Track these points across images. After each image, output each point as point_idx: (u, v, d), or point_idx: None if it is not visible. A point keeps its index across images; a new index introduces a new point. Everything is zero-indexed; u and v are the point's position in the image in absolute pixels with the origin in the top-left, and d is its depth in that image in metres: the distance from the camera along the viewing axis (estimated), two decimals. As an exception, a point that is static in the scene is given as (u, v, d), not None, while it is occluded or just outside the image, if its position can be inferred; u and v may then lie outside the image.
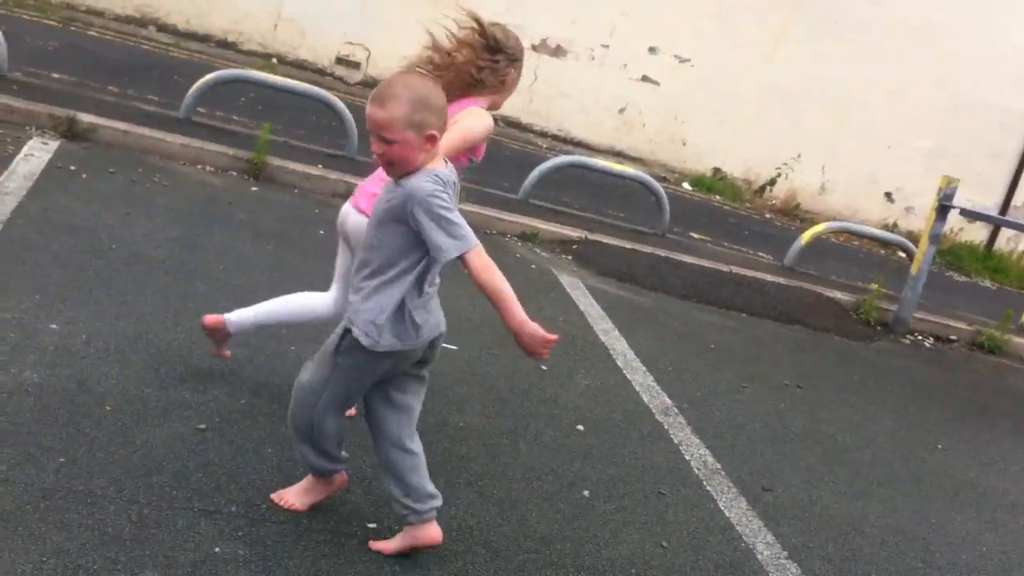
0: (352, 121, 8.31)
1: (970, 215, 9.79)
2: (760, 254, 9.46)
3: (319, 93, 8.36)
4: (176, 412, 3.75)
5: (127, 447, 3.41)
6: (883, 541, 4.37)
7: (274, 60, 12.03)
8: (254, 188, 7.16)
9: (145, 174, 6.70)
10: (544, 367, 5.24)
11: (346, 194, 7.53)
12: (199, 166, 7.25)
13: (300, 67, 12.23)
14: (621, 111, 12.91)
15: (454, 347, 5.20)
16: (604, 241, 8.10)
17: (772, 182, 12.52)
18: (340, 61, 12.52)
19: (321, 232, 6.52)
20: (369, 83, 12.39)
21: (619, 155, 12.66)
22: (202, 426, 3.69)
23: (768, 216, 12.03)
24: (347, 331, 3.09)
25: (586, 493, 4.02)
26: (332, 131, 8.79)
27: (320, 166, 7.78)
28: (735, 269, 8.40)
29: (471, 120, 3.65)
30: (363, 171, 7.97)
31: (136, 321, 4.43)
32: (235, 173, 7.31)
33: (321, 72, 12.31)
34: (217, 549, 3.02)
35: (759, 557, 3.91)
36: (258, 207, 6.75)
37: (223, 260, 5.50)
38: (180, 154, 7.28)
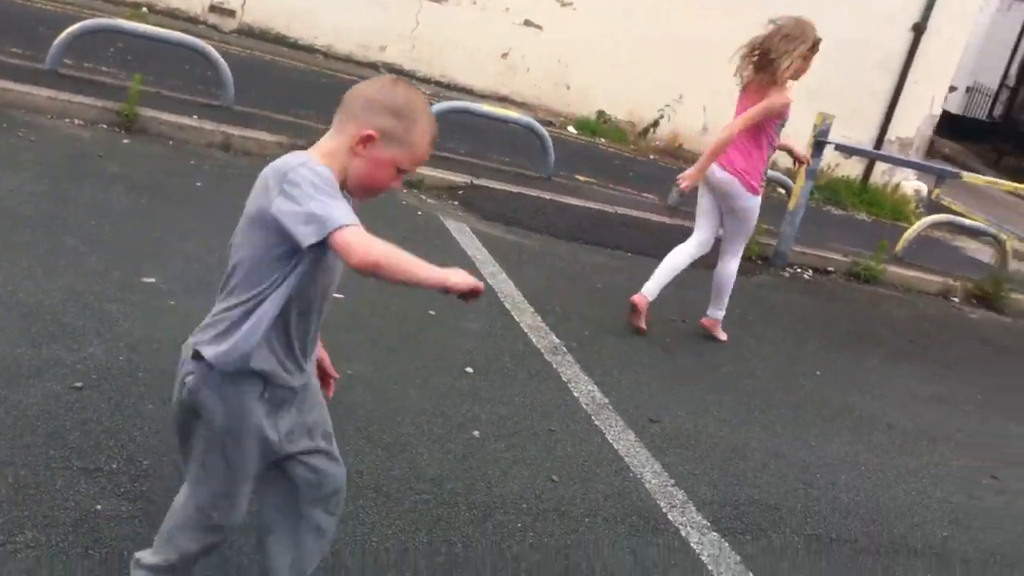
0: (227, 70, 8.08)
1: (845, 150, 10.07)
2: (645, 195, 9.56)
3: (193, 42, 8.09)
4: (50, 371, 3.63)
5: (-1, 409, 3.30)
6: (765, 465, 4.51)
7: (144, 9, 11.60)
8: (126, 140, 6.92)
9: (9, 129, 6.41)
10: (432, 312, 5.23)
11: (223, 144, 7.36)
12: (67, 119, 6.97)
13: (172, 16, 11.81)
14: (504, 56, 12.85)
15: (340, 295, 5.14)
16: (490, 186, 8.08)
17: (655, 124, 12.64)
18: (214, 9, 12.14)
19: (199, 184, 6.35)
20: (244, 31, 12.06)
21: (504, 100, 12.62)
22: (78, 384, 3.59)
23: (652, 157, 12.16)
24: None
25: (476, 434, 4.05)
26: (207, 81, 8.54)
27: (195, 117, 7.55)
28: (620, 210, 8.49)
29: None
30: (241, 121, 7.81)
31: (3, 279, 4.26)
32: (105, 126, 7.05)
33: (194, 20, 11.92)
34: (99, 507, 2.96)
35: (647, 486, 4.00)
36: (131, 160, 6.54)
37: (94, 214, 5.32)
38: (46, 107, 6.98)
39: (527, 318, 5.53)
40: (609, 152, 11.69)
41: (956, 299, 9.09)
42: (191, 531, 2.48)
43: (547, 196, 8.21)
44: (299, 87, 10.17)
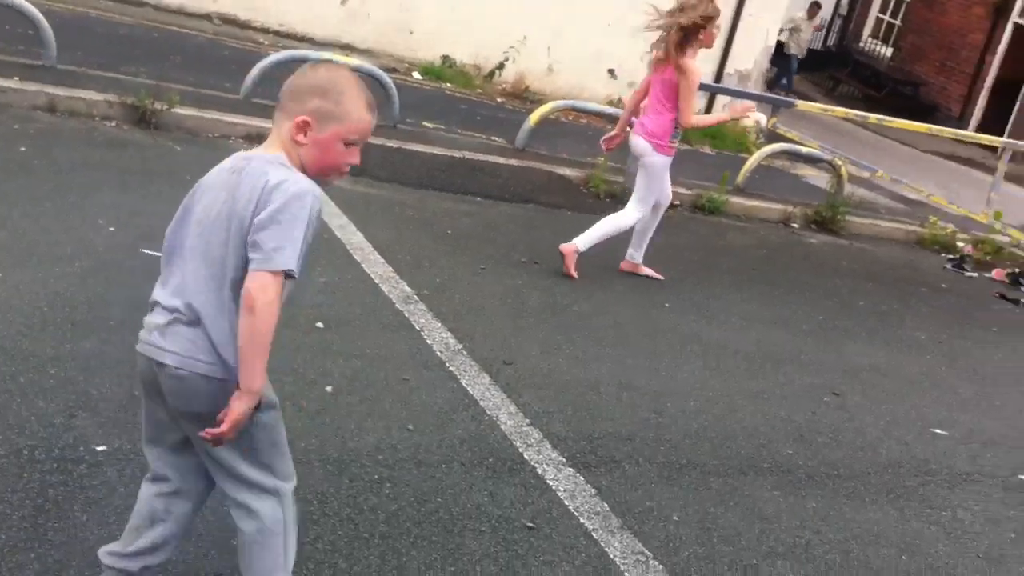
0: (49, 29, 7.67)
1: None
2: (493, 138, 9.56)
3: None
4: None
5: None
6: (618, 398, 4.62)
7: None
8: (-60, 107, 6.52)
9: None
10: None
11: (47, 106, 7.01)
12: None
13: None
14: (343, 2, 12.58)
15: (181, 257, 4.99)
16: (334, 136, 7.93)
17: (501, 66, 12.61)
18: (30, -37, 11.48)
19: (23, 148, 6.04)
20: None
21: (346, 48, 12.36)
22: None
23: (500, 100, 12.15)
24: None
25: (329, 388, 4.01)
26: (28, 40, 8.09)
27: (16, 78, 7.16)
28: (468, 154, 8.46)
29: None
30: (66, 80, 7.43)
31: None
32: (-84, 92, 6.62)
33: (10, -24, 11.25)
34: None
35: (503, 427, 4.05)
36: (-53, 127, 6.17)
37: (-91, 187, 5.01)
38: None
39: (378, 268, 5.48)
40: (456, 97, 11.62)
41: (796, 225, 9.44)
42: None
43: (393, 144, 8.12)
44: (127, 42, 9.74)
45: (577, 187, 8.55)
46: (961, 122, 21.04)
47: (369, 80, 8.72)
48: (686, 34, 6.02)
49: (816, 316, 6.67)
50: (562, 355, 4.95)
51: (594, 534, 3.45)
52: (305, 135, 2.40)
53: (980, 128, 20.56)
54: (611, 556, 3.36)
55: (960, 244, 9.98)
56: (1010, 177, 13.73)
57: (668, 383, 4.94)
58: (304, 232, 2.33)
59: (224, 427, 2.30)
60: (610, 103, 12.63)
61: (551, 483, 3.71)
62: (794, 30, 19.78)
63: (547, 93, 12.68)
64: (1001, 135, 16.97)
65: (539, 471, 3.78)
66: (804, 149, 10.99)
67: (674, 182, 9.13)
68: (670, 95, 6.12)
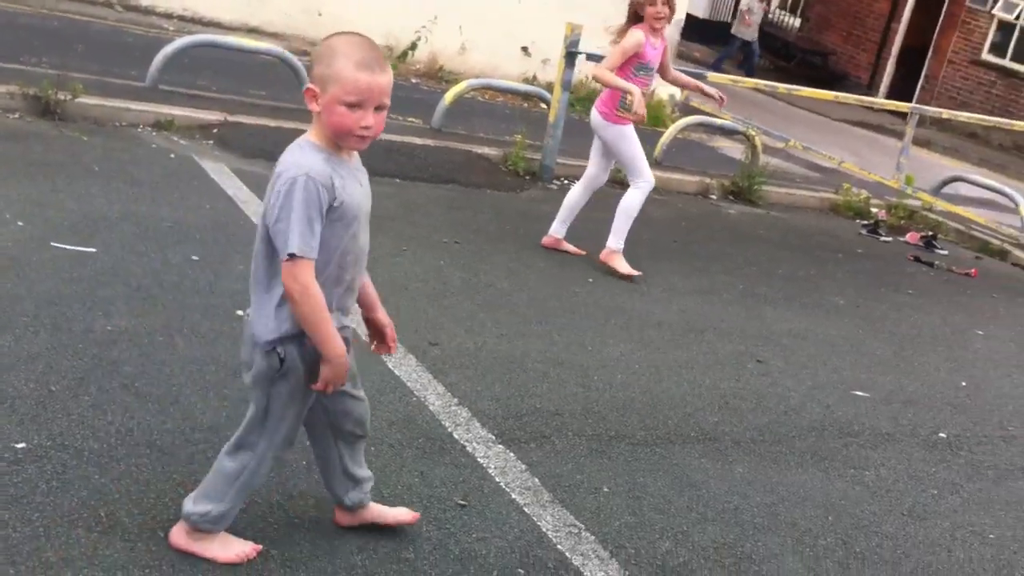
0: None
1: (597, 59, 10.23)
2: (409, 119, 9.47)
3: None
4: None
5: None
6: (545, 373, 4.61)
7: None
8: None
9: None
10: (195, 257, 5.02)
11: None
12: None
13: None
14: (250, -15, 12.35)
15: (92, 249, 4.86)
16: (246, 122, 7.79)
17: (413, 47, 12.48)
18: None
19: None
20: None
21: (254, 31, 12.13)
22: None
23: (414, 81, 12.04)
24: None
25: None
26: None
27: (-91, 70, 6.89)
28: (385, 136, 8.34)
29: None
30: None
31: None
32: None
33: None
34: None
35: (431, 408, 4.02)
36: None
37: None
38: None
39: (296, 254, 5.39)
40: (369, 79, 11.49)
41: (714, 196, 9.54)
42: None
43: (307, 128, 7.97)
44: (27, 32, 9.44)
45: (496, 166, 8.53)
46: (870, 89, 21.50)
47: (280, 64, 8.58)
48: (634, 11, 6.30)
49: (737, 285, 6.75)
50: (488, 334, 4.93)
51: (526, 509, 3.45)
52: (316, 103, 2.58)
53: (889, 95, 21.05)
54: (543, 529, 3.35)
55: (874, 210, 10.18)
56: (919, 142, 14.08)
57: (594, 357, 4.96)
58: (306, 212, 2.54)
59: (318, 385, 2.71)
60: (525, 80, 12.62)
61: (481, 461, 3.69)
62: (748, 12, 20.03)
63: (462, 72, 12.61)
64: (909, 101, 17.40)
65: (469, 449, 3.76)
66: (718, 121, 11.11)
67: (588, 156, 9.17)
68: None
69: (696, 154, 11.06)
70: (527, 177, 8.43)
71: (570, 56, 8.36)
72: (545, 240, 6.66)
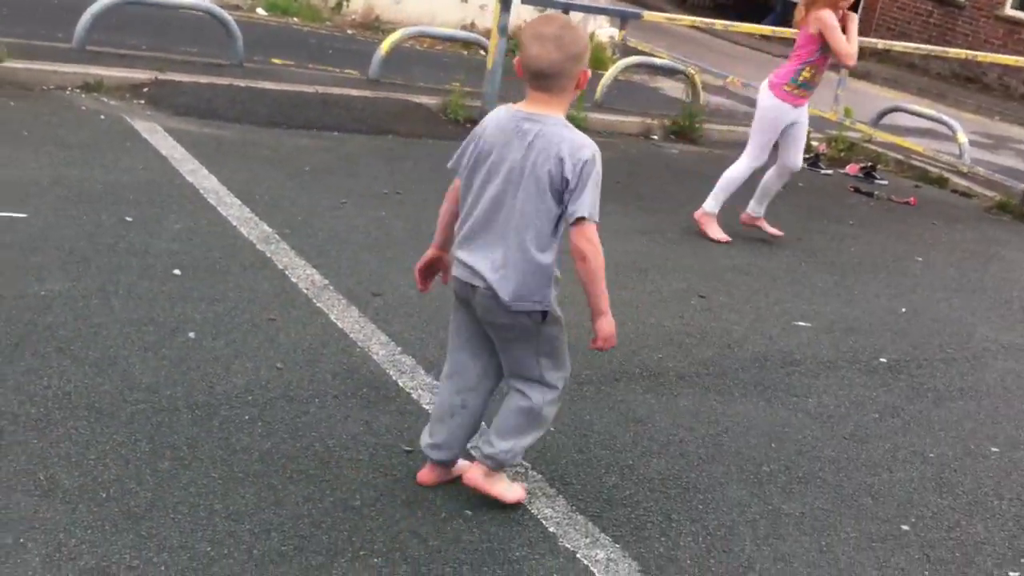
0: None
1: (533, 2, 10.16)
2: (346, 71, 9.36)
3: None
4: None
5: None
6: (489, 319, 4.61)
7: None
8: None
9: None
10: (129, 218, 4.95)
11: None
12: None
13: None
14: (178, -59, 12.06)
15: (23, 215, 4.76)
16: (178, 79, 7.65)
17: (348, -3, 12.36)
18: None
19: None
20: None
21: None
22: None
23: (350, 32, 11.89)
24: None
25: (192, 335, 3.90)
26: None
27: None
28: (321, 89, 8.26)
29: None
30: None
31: None
32: None
33: None
34: None
35: (375, 358, 4.01)
36: None
37: None
38: None
39: (234, 211, 5.33)
40: (304, 31, 11.33)
41: (656, 137, 9.55)
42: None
43: (241, 84, 7.86)
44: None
45: (436, 115, 8.46)
46: (765, 19, 21.53)
47: (211, 20, 8.42)
48: None
49: (680, 224, 6.79)
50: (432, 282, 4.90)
51: (473, 452, 3.46)
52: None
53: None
54: (491, 471, 3.37)
55: (814, 143, 10.24)
56: (858, 74, 14.18)
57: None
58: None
59: (598, 343, 3.17)
60: (463, 27, 12.50)
61: (427, 407, 3.70)
62: None
63: (398, 22, 12.46)
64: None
65: (414, 396, 3.77)
66: (658, 60, 11.09)
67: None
68: (802, 44, 6.31)
69: (638, 95, 11.05)
70: (467, 125, 8.36)
71: (505, 1, 8.27)
72: (743, 217, 6.79)
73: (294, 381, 3.70)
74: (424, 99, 8.69)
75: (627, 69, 10.68)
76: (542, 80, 2.88)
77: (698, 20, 10.99)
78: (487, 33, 10.56)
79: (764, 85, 6.48)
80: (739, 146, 9.91)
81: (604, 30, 13.92)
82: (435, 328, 4.38)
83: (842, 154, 10.14)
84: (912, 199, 8.82)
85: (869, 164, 9.79)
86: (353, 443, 3.38)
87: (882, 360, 5.05)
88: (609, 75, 10.17)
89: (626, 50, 11.87)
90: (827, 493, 3.69)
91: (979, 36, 19.12)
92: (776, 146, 6.65)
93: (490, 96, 8.51)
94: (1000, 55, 13.84)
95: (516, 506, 3.20)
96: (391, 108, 8.26)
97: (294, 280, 4.61)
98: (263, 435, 3.30)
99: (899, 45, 12.75)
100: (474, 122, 8.41)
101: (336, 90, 8.33)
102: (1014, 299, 6.54)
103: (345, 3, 12.39)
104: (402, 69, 9.55)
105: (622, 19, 11.10)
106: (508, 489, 3.18)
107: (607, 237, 5.98)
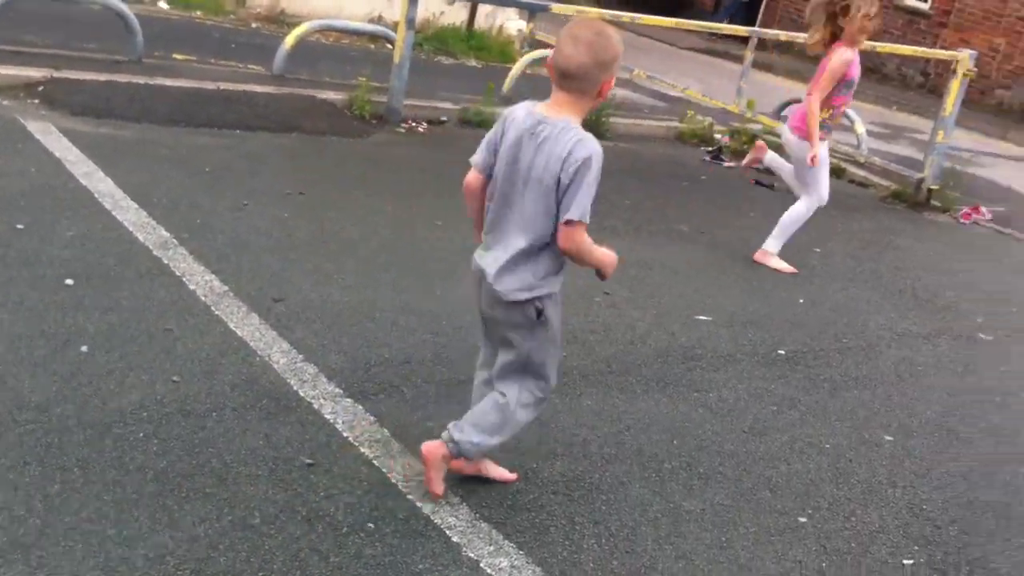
0: None
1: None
2: (250, 66, 9.21)
3: None
4: None
5: None
6: (394, 322, 4.60)
7: None
8: None
9: None
10: (20, 225, 4.80)
11: None
12: None
13: None
14: (73, -69, 11.72)
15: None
16: (74, 77, 7.44)
17: (252, -10, 12.15)
18: None
19: None
20: None
21: (81, -19, 11.59)
22: None
23: (255, 26, 11.69)
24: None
25: (84, 348, 3.81)
26: None
27: None
28: (223, 85, 8.11)
29: None
30: None
31: None
32: None
33: None
34: None
35: (275, 367, 3.96)
36: None
37: None
38: None
39: (130, 215, 5.21)
40: (207, 25, 11.12)
41: (563, 130, 9.57)
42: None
43: (141, 81, 7.69)
44: None
45: (341, 111, 8.37)
46: (716, 16, 21.84)
47: (109, 14, 8.21)
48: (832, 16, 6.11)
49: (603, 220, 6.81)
50: (334, 285, 4.88)
51: (375, 461, 3.46)
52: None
53: (732, 19, 21.41)
54: (393, 480, 3.37)
55: (717, 136, 10.42)
56: (763, 66, 14.42)
57: (444, 303, 4.96)
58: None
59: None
60: (371, 20, 12.39)
61: (328, 417, 3.67)
62: None
63: (305, 15, 12.29)
64: (753, 26, 17.75)
65: (315, 406, 3.73)
66: (565, 54, 11.11)
67: (440, 97, 9.09)
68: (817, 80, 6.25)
69: (547, 88, 11.04)
70: (373, 121, 8.31)
71: (409, -7, 8.23)
72: (756, 256, 6.71)
73: (191, 394, 3.64)
74: (330, 94, 8.60)
75: (536, 62, 10.70)
76: (568, 81, 2.99)
77: (606, 12, 11.04)
78: (395, 26, 10.50)
79: (786, 129, 6.50)
80: (644, 139, 10.08)
81: (513, 23, 13.93)
82: (338, 334, 4.35)
83: (745, 146, 10.27)
84: (812, 189, 9.00)
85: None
86: (252, 458, 3.33)
87: (780, 352, 5.16)
88: (516, 69, 10.19)
89: (535, 44, 11.89)
90: (727, 488, 3.76)
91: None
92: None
93: (397, 91, 8.46)
94: (899, 45, 14.21)
95: (419, 517, 3.19)
96: (296, 104, 8.15)
97: (192, 287, 4.53)
98: (158, 453, 3.24)
99: (801, 37, 12.95)
100: (380, 118, 8.40)
101: (239, 86, 8.19)
102: (908, 288, 6.74)
103: (249, -5, 12.18)
104: (308, 64, 9.43)
105: (530, 12, 11.10)
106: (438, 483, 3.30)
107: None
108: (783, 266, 6.56)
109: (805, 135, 6.25)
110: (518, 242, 3.08)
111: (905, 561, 3.54)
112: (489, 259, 3.15)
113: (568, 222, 2.98)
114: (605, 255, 3.16)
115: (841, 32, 6.08)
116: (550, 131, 3.00)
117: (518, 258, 3.09)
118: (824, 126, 6.28)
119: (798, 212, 6.57)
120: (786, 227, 6.59)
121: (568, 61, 2.96)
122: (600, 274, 3.23)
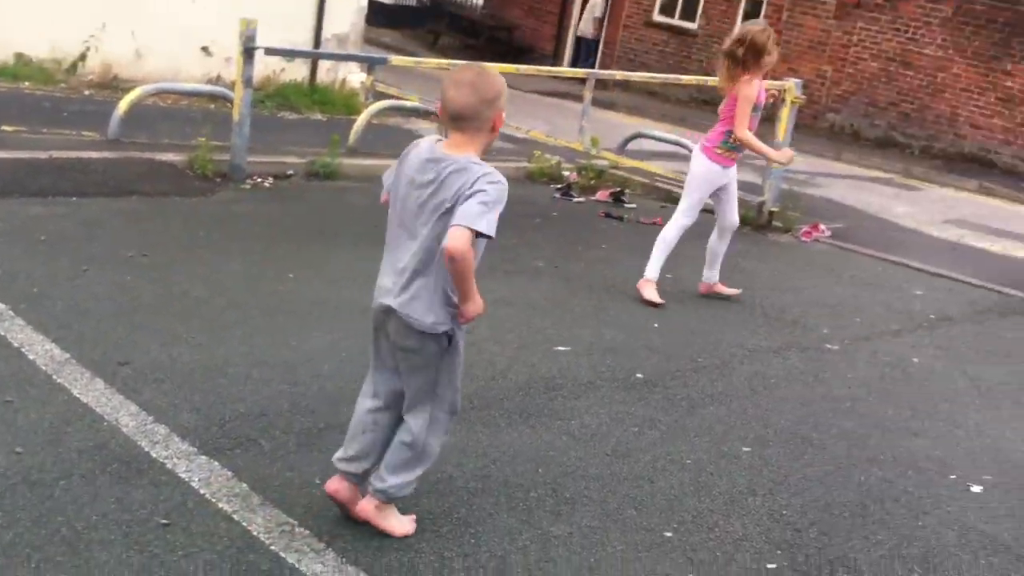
0: None
1: (275, 52, 10.00)
2: (84, 133, 8.94)
3: None
4: None
5: None
6: (247, 376, 4.50)
7: None
8: None
9: None
10: None
11: None
12: None
13: None
14: None
15: None
16: None
17: (82, 57, 11.78)
18: None
19: None
20: None
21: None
22: None
23: (88, 93, 11.38)
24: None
25: (-85, 428, 3.60)
26: None
27: None
28: (55, 153, 7.85)
29: None
30: None
31: None
32: None
33: None
34: None
35: (124, 430, 3.83)
36: None
37: None
38: None
39: (-38, 290, 4.98)
40: (37, 95, 10.77)
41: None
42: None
43: None
44: None
45: (183, 171, 8.20)
46: (555, 60, 22.39)
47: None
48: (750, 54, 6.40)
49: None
50: (183, 345, 4.75)
51: (235, 516, 3.36)
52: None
53: (573, 63, 22.01)
54: (254, 533, 3.28)
55: (565, 173, 10.62)
56: (604, 104, 14.80)
57: (299, 352, 4.89)
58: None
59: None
60: (209, 80, 12.23)
61: (183, 475, 3.56)
62: (591, 6, 21.27)
63: (140, 79, 12.03)
64: (593, 68, 18.25)
65: (169, 466, 3.61)
66: (409, 103, 11.21)
67: (285, 152, 9.03)
68: (729, 108, 6.55)
69: (393, 138, 11.07)
70: (217, 179, 8.17)
71: (248, 52, 8.16)
72: (701, 287, 7.05)
73: (36, 464, 3.48)
74: (170, 156, 8.42)
75: (381, 113, 10.73)
76: (460, 122, 3.11)
77: (444, 62, 11.18)
78: (233, 86, 10.38)
79: (697, 149, 6.81)
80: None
81: (355, 75, 13.96)
82: (189, 392, 4.23)
83: (592, 182, 10.54)
84: (658, 219, 9.23)
85: (617, 189, 10.22)
86: (104, 522, 3.20)
87: (639, 376, 5.26)
88: (361, 120, 10.19)
89: (378, 95, 11.93)
90: (593, 510, 3.79)
91: (713, 60, 20.39)
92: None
93: (239, 148, 8.35)
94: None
95: (284, 567, 3.11)
96: (134, 168, 7.95)
97: (32, 357, 4.34)
98: (4, 526, 3.08)
99: (635, 76, 13.44)
100: (223, 176, 8.27)
101: (72, 153, 7.94)
102: (756, 306, 6.98)
103: (80, 63, 11.87)
104: (146, 127, 9.23)
105: (370, 65, 11.15)
106: (398, 523, 3.39)
107: (355, 283, 6.02)
108: (732, 291, 7.02)
109: (713, 157, 6.67)
110: (422, 270, 3.16)
111: (769, 566, 3.62)
112: (390, 285, 3.22)
113: (455, 226, 3.00)
114: (476, 293, 3.18)
115: (749, 66, 6.46)
116: (455, 166, 3.09)
117: (415, 282, 3.17)
118: (736, 148, 6.66)
119: (713, 238, 7.04)
120: (716, 253, 7.02)
121: (455, 104, 3.09)
122: (461, 311, 3.21)
